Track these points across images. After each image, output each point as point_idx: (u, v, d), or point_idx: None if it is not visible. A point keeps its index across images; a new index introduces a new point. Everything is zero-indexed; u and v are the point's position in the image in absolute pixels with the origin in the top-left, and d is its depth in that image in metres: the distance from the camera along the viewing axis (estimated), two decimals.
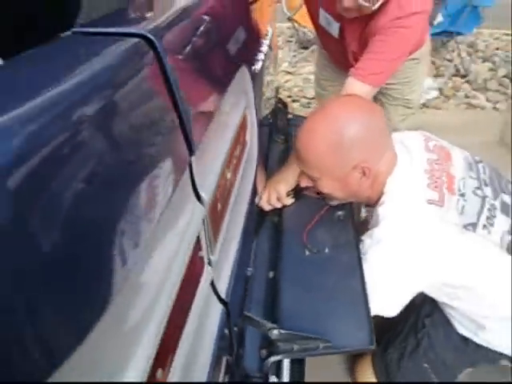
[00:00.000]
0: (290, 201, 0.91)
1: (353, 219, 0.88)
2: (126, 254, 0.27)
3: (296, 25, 2.99)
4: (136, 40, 0.31)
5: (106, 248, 0.26)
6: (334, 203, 0.87)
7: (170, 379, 0.33)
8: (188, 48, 0.37)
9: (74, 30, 0.31)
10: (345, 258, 0.78)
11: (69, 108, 0.23)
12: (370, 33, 0.98)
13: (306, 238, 0.83)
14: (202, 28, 0.42)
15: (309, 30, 2.97)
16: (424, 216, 0.70)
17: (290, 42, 3.29)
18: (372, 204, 0.82)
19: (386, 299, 0.75)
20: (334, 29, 1.10)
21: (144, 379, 0.28)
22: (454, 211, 0.72)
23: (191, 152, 0.37)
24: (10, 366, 0.19)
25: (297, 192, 0.91)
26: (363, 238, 0.79)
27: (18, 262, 0.19)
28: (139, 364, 0.28)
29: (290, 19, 2.89)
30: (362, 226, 0.89)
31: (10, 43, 0.36)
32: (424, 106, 2.40)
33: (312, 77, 1.69)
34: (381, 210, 0.74)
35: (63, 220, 0.22)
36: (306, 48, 3.11)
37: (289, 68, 2.95)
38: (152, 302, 0.31)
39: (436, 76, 2.73)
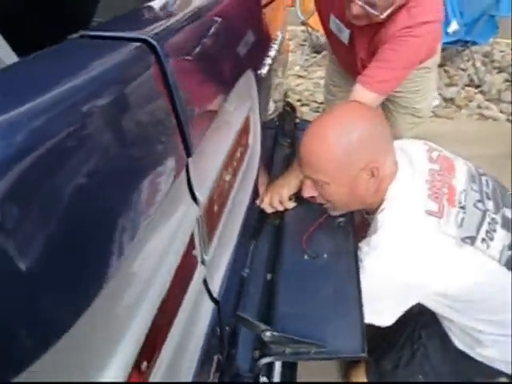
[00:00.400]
0: (291, 204, 0.92)
1: (353, 226, 0.88)
2: (118, 248, 0.28)
3: (309, 29, 3.00)
4: (137, 44, 0.32)
5: (100, 241, 0.27)
6: (335, 213, 0.87)
7: (155, 373, 0.34)
8: (189, 52, 0.38)
9: (82, 33, 0.33)
10: (343, 264, 0.78)
11: (70, 108, 0.24)
12: (380, 41, 0.98)
13: (305, 242, 0.84)
14: (203, 33, 0.43)
15: (322, 34, 2.96)
16: (421, 227, 0.70)
17: (303, 45, 3.29)
18: (372, 211, 0.82)
19: (380, 308, 0.75)
20: (344, 35, 1.10)
21: (128, 370, 0.29)
22: (453, 223, 0.71)
23: (188, 154, 0.38)
24: (3, 349, 0.20)
25: (299, 196, 0.92)
26: (361, 244, 0.79)
27: (19, 249, 0.20)
28: (124, 354, 0.29)
29: (303, 23, 2.89)
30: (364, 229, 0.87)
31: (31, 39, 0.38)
32: (434, 115, 2.37)
33: (323, 82, 1.70)
34: (380, 217, 0.74)
35: (62, 212, 0.23)
36: (318, 52, 3.10)
37: (300, 72, 2.95)
38: (141, 294, 0.32)
39: (449, 85, 2.69)
